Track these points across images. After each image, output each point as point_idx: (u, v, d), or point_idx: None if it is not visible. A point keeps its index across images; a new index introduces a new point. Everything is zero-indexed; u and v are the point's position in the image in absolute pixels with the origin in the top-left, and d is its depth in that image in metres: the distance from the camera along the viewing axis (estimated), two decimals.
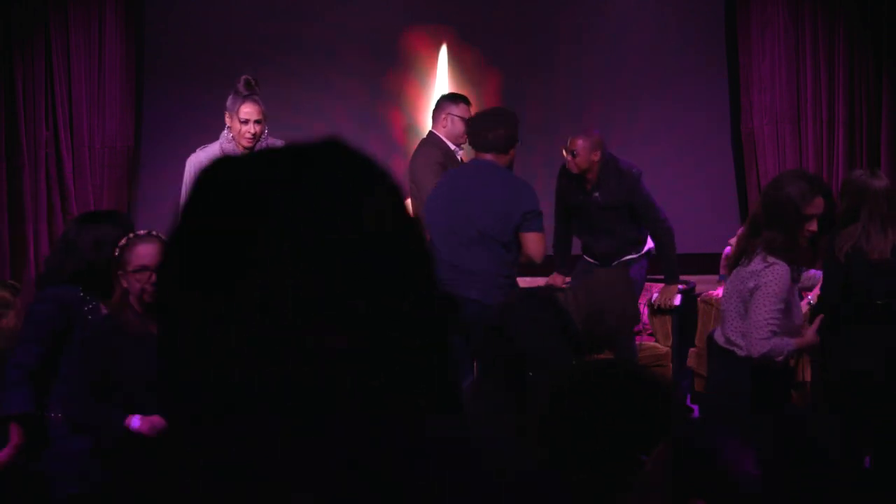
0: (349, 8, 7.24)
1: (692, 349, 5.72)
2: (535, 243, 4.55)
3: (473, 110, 5.27)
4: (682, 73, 7.09)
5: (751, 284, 3.69)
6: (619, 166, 5.32)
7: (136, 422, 3.31)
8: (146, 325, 3.38)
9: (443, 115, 5.30)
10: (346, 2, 7.26)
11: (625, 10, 7.22)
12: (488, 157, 4.64)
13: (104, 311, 3.67)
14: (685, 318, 5.62)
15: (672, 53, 7.12)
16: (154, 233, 3.49)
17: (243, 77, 4.83)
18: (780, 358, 3.69)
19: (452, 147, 5.28)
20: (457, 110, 5.28)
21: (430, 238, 4.72)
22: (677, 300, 5.46)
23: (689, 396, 5.62)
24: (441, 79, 7.19)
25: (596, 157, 5.27)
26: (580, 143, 5.28)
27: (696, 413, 5.23)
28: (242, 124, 4.77)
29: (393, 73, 7.19)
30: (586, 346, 3.32)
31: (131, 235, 3.45)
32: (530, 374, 3.16)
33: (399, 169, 6.45)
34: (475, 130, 4.72)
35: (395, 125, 7.21)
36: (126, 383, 3.33)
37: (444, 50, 7.21)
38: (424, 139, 5.41)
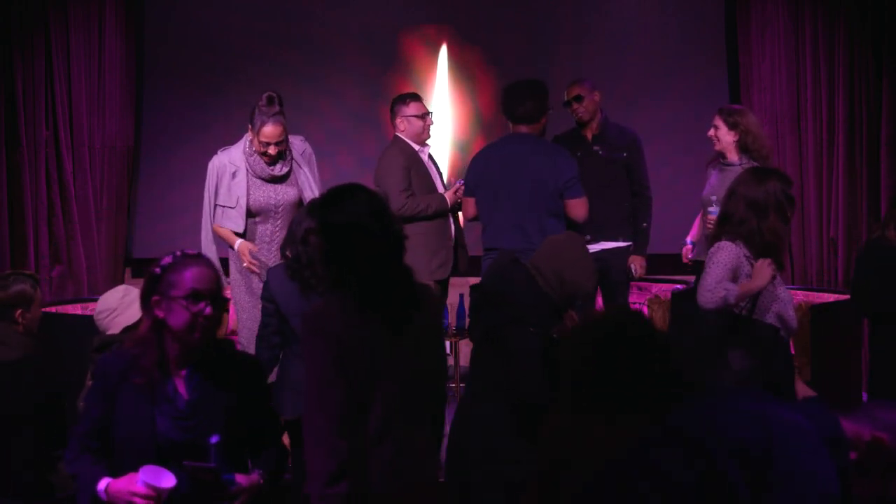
0: (348, 8, 7.24)
1: None
2: (578, 207, 4.82)
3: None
4: (683, 73, 7.09)
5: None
6: (618, 123, 5.44)
7: (101, 485, 2.70)
8: (167, 375, 2.75)
9: (398, 120, 5.39)
10: (346, 2, 7.25)
11: (625, 10, 7.22)
12: (522, 128, 4.90)
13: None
14: None
15: (672, 53, 7.12)
16: (203, 256, 2.91)
17: (266, 94, 4.78)
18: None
19: (416, 147, 5.35)
20: (409, 110, 5.36)
21: (483, 222, 4.94)
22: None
23: None
24: (441, 79, 7.19)
25: (597, 97, 5.38)
26: (578, 89, 5.35)
27: None
28: (264, 146, 4.78)
29: (392, 73, 7.18)
30: (560, 304, 3.49)
31: (178, 254, 2.82)
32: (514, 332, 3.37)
33: None
34: (506, 104, 4.94)
35: None
36: (121, 439, 2.75)
37: (443, 50, 7.21)
38: (389, 145, 5.44)
